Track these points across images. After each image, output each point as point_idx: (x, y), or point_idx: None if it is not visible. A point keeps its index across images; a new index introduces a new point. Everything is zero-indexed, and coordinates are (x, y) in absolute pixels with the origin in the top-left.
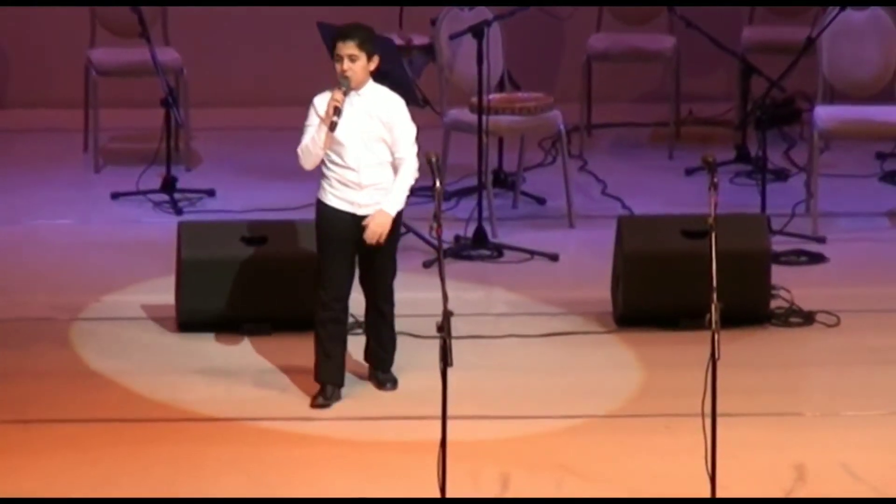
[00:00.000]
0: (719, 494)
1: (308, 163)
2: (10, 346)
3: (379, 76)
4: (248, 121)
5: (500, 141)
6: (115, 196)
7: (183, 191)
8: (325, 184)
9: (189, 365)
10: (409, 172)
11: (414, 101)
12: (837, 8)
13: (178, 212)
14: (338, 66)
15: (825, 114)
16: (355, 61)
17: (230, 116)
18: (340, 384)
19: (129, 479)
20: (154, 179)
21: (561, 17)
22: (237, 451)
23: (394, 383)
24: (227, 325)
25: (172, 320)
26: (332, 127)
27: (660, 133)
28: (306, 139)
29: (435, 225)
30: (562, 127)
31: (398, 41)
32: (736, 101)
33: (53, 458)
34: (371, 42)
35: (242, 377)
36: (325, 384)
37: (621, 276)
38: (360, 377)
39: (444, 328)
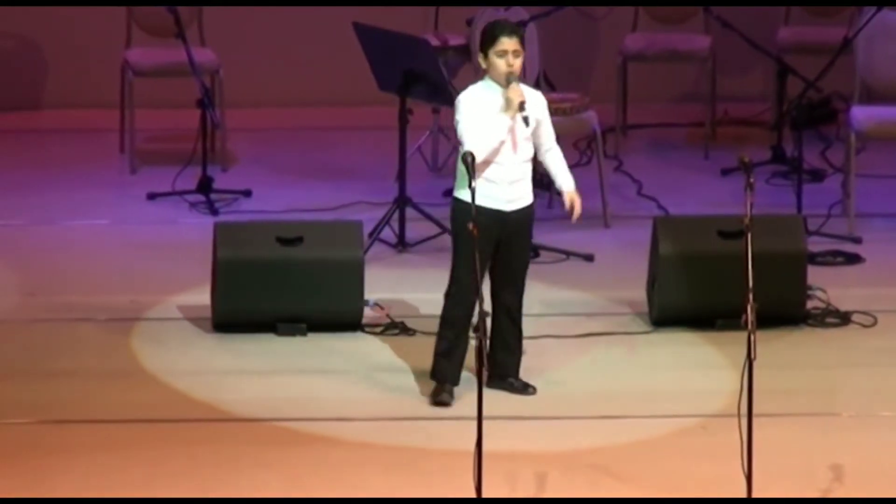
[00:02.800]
0: (755, 495)
1: (483, 155)
2: (46, 346)
3: (414, 77)
4: (284, 121)
5: None
6: (151, 197)
7: (219, 191)
8: (463, 181)
9: (224, 366)
10: (562, 157)
11: (450, 101)
12: (874, 8)
13: (214, 212)
14: (500, 62)
15: (861, 114)
16: (518, 57)
17: (266, 117)
18: (456, 383)
19: (165, 479)
20: (190, 180)
21: (597, 18)
22: (273, 452)
23: (534, 388)
24: (263, 325)
25: (208, 321)
26: (526, 122)
27: (695, 133)
28: (476, 135)
29: (471, 225)
30: (597, 127)
31: (434, 41)
32: (772, 102)
33: (90, 459)
34: None
35: (278, 378)
36: (444, 383)
37: (657, 276)
38: (388, 377)
39: (479, 329)
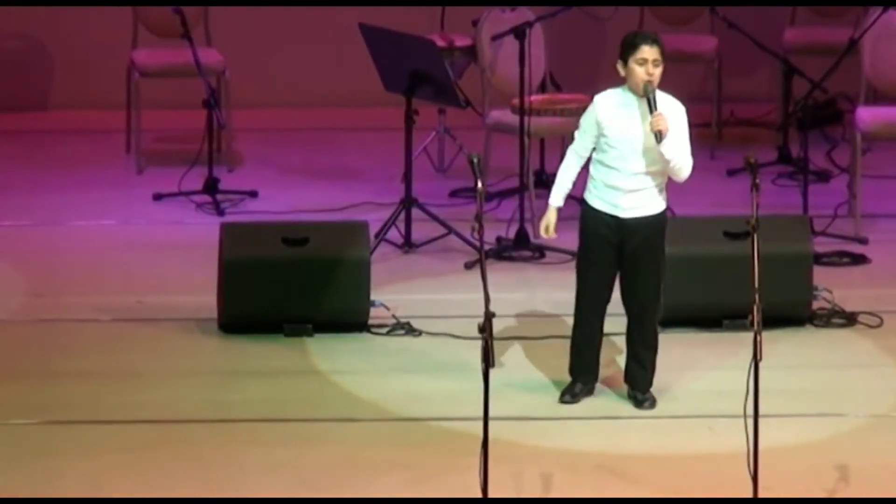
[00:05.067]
0: (761, 495)
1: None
2: (52, 347)
3: (420, 78)
4: (290, 122)
5: (542, 142)
6: (157, 197)
7: (225, 192)
8: (591, 186)
9: (231, 366)
10: (688, 162)
11: (455, 102)
12: (880, 9)
13: (221, 213)
14: (640, 70)
15: (867, 115)
16: (658, 66)
17: (272, 117)
18: (588, 382)
19: (171, 479)
20: (196, 180)
21: (602, 18)
22: (279, 453)
23: (652, 402)
24: (269, 326)
25: (214, 321)
26: (658, 139)
27: (701, 134)
28: (581, 141)
29: (476, 226)
30: None
31: (440, 42)
32: (778, 102)
33: (96, 459)
34: None
35: (284, 378)
36: (575, 381)
37: (663, 277)
38: (394, 378)
39: (486, 329)
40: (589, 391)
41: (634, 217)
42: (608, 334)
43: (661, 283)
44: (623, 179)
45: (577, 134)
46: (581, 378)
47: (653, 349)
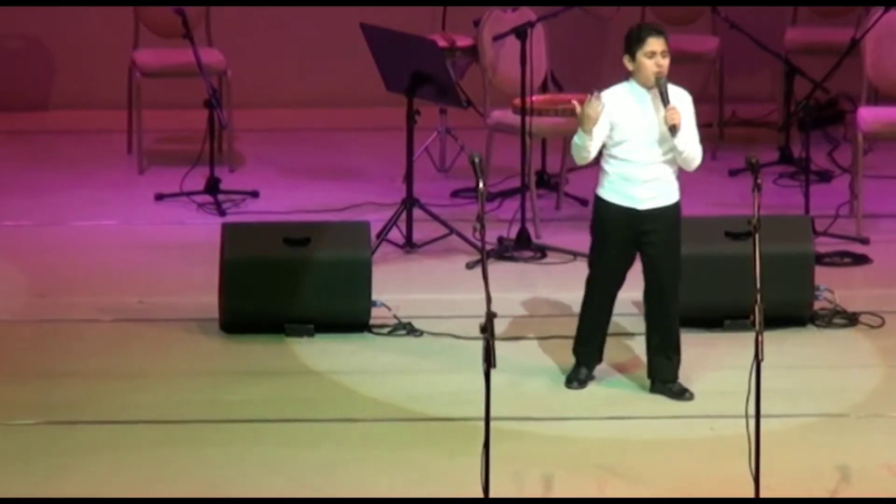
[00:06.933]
0: (763, 495)
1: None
2: (54, 347)
3: (422, 78)
4: (292, 122)
5: (544, 142)
6: (158, 197)
7: (226, 192)
8: (604, 180)
9: (232, 366)
10: (699, 151)
11: (457, 102)
12: (882, 9)
13: (222, 213)
14: (649, 62)
15: (869, 115)
16: (666, 57)
17: (274, 117)
18: (592, 367)
19: (172, 480)
20: (198, 181)
21: (604, 18)
22: (279, 453)
23: (691, 393)
24: (270, 326)
25: (215, 321)
26: (673, 132)
27: (703, 134)
28: (593, 138)
29: (478, 226)
30: None
31: (441, 42)
32: (779, 103)
33: (98, 459)
34: None
35: (284, 378)
36: (580, 365)
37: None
38: (395, 378)
39: (487, 329)
40: (592, 377)
41: (652, 208)
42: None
43: (680, 274)
44: (639, 170)
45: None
46: (587, 363)
47: (677, 338)
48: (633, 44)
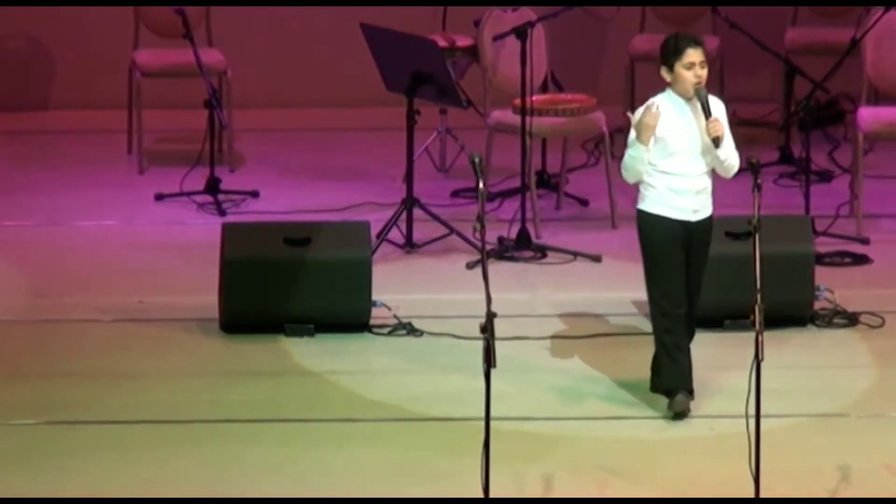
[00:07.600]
0: (763, 495)
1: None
2: (54, 347)
3: (422, 78)
4: (292, 122)
5: (544, 142)
6: (158, 197)
7: (227, 192)
8: (650, 193)
9: (232, 366)
10: (737, 158)
11: (457, 102)
12: (882, 9)
13: (222, 213)
14: (688, 73)
15: (869, 115)
16: (704, 68)
17: (274, 117)
18: (690, 388)
19: (172, 480)
20: (198, 181)
21: (604, 18)
22: (279, 453)
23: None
24: (270, 326)
25: (215, 321)
26: (717, 143)
27: None
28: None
29: (478, 226)
30: (605, 128)
31: (441, 42)
32: (779, 103)
33: (98, 460)
34: None
35: (284, 378)
36: (677, 390)
37: None
38: (396, 378)
39: (487, 329)
40: (692, 395)
41: (701, 219)
42: (608, 334)
43: None
44: (689, 182)
45: (630, 144)
46: (683, 386)
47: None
48: (670, 55)
